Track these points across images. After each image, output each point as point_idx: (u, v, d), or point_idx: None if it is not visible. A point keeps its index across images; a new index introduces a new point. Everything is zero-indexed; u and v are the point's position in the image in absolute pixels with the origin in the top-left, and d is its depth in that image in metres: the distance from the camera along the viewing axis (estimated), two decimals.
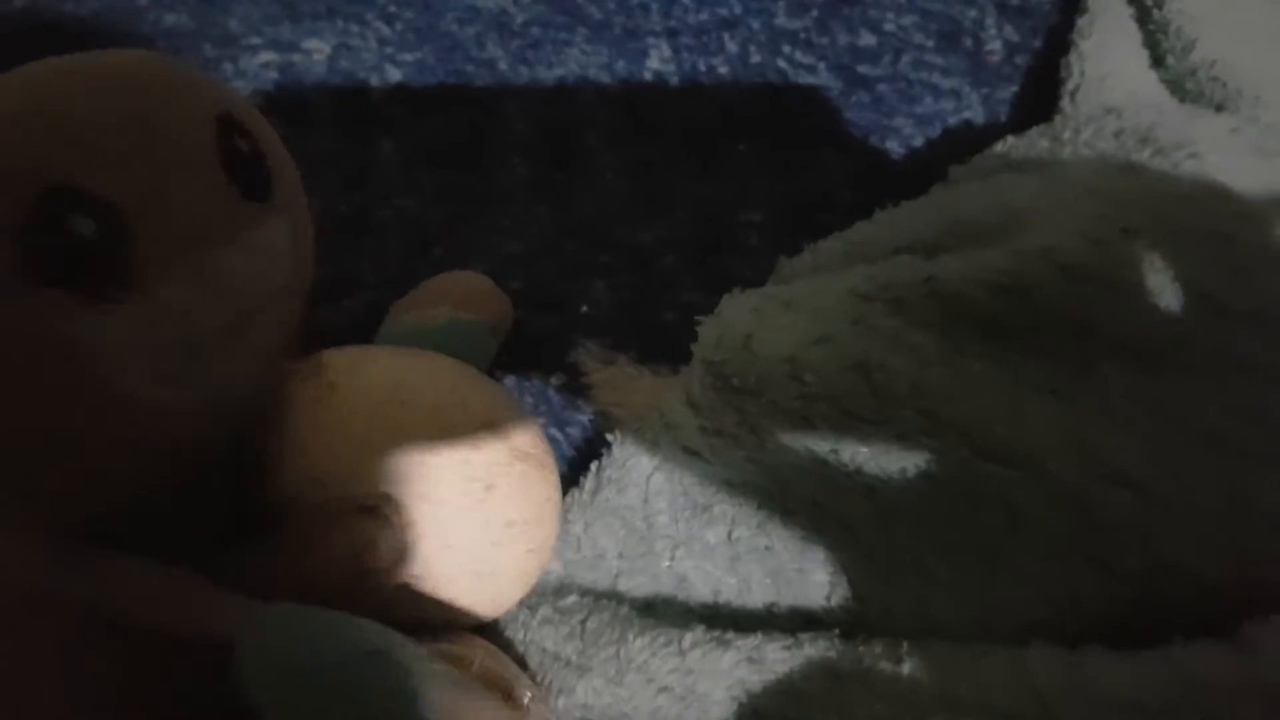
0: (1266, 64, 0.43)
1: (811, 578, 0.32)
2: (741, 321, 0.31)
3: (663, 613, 0.32)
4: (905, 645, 0.28)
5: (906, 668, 0.28)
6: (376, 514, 0.24)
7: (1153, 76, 0.45)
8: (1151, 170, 0.32)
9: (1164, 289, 0.28)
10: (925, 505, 0.30)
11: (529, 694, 0.24)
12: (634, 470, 0.34)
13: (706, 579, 0.33)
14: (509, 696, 0.23)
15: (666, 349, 0.42)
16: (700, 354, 0.31)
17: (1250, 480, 0.26)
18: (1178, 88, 0.44)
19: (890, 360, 0.28)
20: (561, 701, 0.29)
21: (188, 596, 0.22)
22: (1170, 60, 0.44)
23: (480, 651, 0.25)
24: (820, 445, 0.30)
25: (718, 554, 0.33)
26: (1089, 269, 0.28)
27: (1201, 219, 0.29)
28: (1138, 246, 0.28)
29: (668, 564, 0.34)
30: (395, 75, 0.49)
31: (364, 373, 0.26)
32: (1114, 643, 0.26)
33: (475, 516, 0.25)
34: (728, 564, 0.33)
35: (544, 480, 0.28)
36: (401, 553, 0.24)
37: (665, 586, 0.34)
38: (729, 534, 0.33)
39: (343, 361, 0.27)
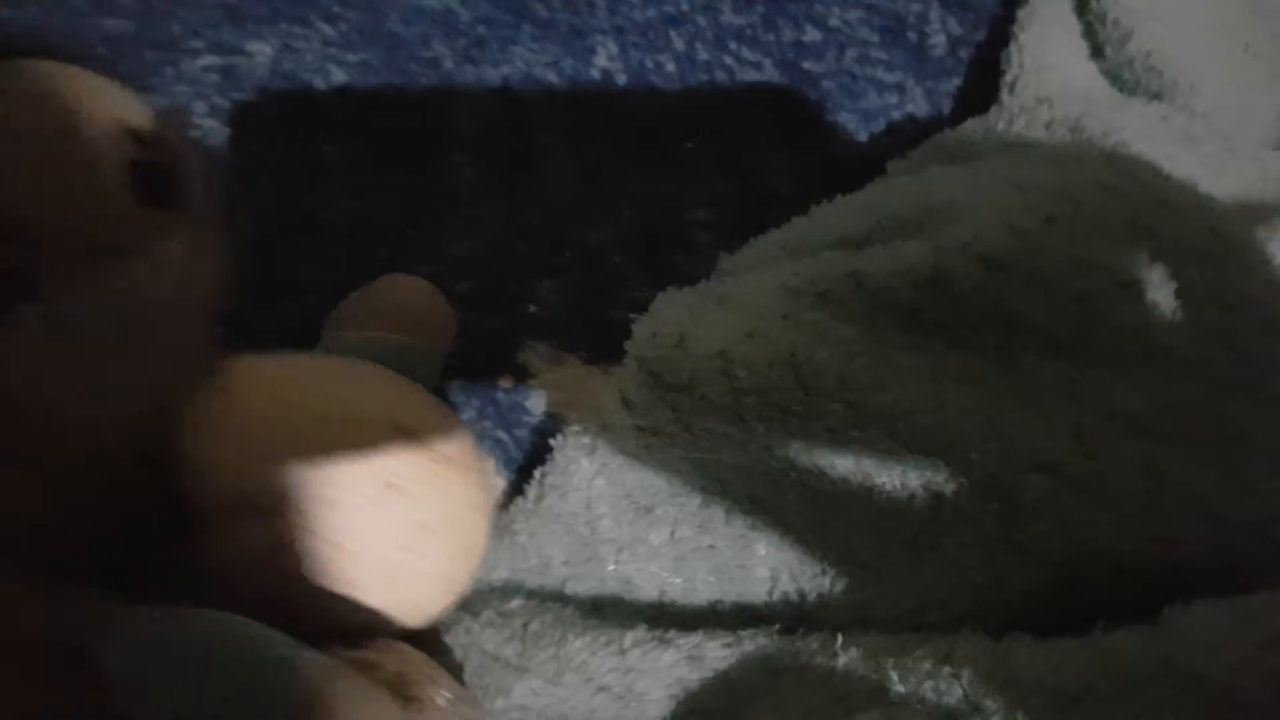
0: (1201, 54, 0.43)
1: (753, 573, 0.32)
2: (675, 319, 0.32)
3: (609, 613, 0.32)
4: (840, 639, 0.29)
5: (841, 661, 0.28)
6: (265, 514, 0.24)
7: (1092, 67, 0.45)
8: (1076, 160, 0.32)
9: (1083, 278, 0.28)
10: (855, 497, 0.30)
11: (444, 695, 0.24)
12: (575, 475, 0.35)
13: (651, 580, 0.33)
14: (409, 698, 0.23)
15: (615, 348, 0.42)
16: (634, 352, 0.31)
17: (1168, 464, 0.27)
18: (1116, 78, 0.45)
19: (817, 353, 0.28)
20: (499, 703, 0.30)
21: (77, 607, 0.22)
22: (1108, 51, 0.45)
23: (395, 657, 0.25)
24: (753, 441, 0.30)
25: (662, 555, 0.33)
26: (1009, 260, 0.28)
27: (1122, 209, 0.29)
28: (1058, 236, 0.29)
29: (612, 568, 0.34)
30: (340, 76, 0.49)
31: (258, 379, 0.26)
32: (1040, 630, 0.27)
33: (377, 518, 0.25)
34: (672, 564, 0.33)
35: (464, 483, 0.27)
36: (295, 553, 0.24)
37: (611, 589, 0.34)
38: (672, 534, 0.33)
39: (240, 368, 0.26)
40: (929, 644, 0.27)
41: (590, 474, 0.35)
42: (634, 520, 0.34)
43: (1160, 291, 0.28)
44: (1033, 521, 0.27)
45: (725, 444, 0.31)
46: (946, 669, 0.26)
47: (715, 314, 0.31)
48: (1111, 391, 0.27)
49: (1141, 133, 0.34)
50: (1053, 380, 0.28)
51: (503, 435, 0.41)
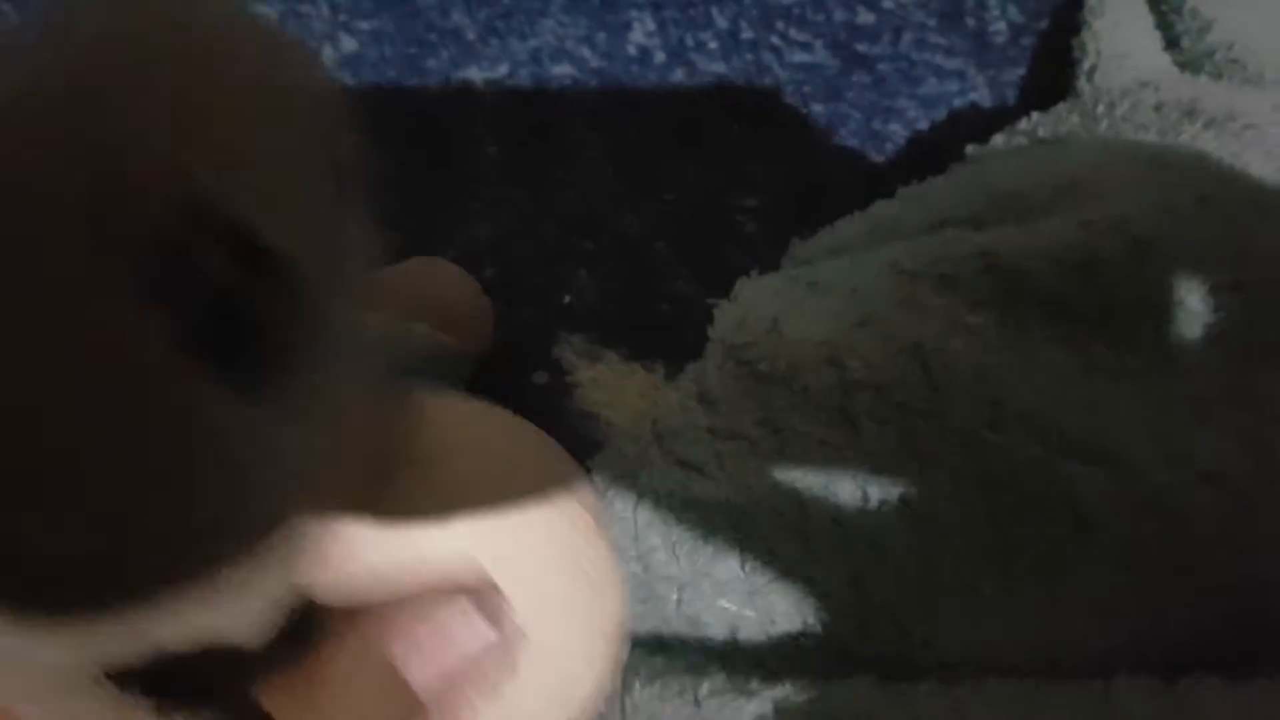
0: None
1: (840, 604, 0.28)
2: (764, 303, 0.27)
3: (676, 652, 0.28)
4: (960, 688, 0.24)
5: (962, 713, 0.24)
6: (474, 604, 0.17)
7: (1167, 59, 0.42)
8: (1212, 142, 0.29)
9: (1243, 265, 0.25)
10: (975, 515, 0.26)
11: None
12: (617, 502, 0.30)
13: (722, 617, 0.29)
14: None
15: (659, 344, 0.38)
16: (718, 337, 0.27)
17: None
18: (1193, 71, 0.42)
19: (949, 344, 0.24)
20: None
21: None
22: (1185, 42, 0.42)
23: None
24: (855, 447, 0.26)
25: (731, 589, 0.29)
26: (1164, 242, 0.25)
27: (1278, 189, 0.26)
28: (1215, 217, 0.25)
29: (674, 607, 0.29)
30: (350, 45, 0.44)
31: (474, 423, 0.20)
32: (1214, 672, 0.23)
33: (582, 622, 0.19)
34: (744, 598, 0.29)
35: (622, 590, 0.22)
36: (502, 662, 0.17)
37: (677, 628, 0.29)
38: (741, 565, 0.29)
39: (443, 406, 0.20)
40: (1077, 688, 0.23)
41: (634, 499, 0.30)
42: (692, 552, 0.29)
43: None
44: (1200, 541, 0.23)
45: (818, 451, 0.27)
46: (1106, 715, 0.22)
47: (812, 300, 0.27)
48: None
49: (1267, 117, 0.31)
50: (1219, 379, 0.24)
51: None
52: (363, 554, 0.18)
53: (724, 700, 0.26)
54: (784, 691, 0.26)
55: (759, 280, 0.29)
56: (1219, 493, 0.23)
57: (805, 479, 0.28)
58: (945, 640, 0.27)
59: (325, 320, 0.14)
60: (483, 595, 0.17)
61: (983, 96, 0.44)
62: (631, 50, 0.44)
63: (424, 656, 0.16)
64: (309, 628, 0.17)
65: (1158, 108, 0.33)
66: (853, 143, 0.42)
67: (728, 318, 0.27)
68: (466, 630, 0.16)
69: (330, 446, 0.16)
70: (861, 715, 0.25)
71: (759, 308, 0.27)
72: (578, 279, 0.39)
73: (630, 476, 0.31)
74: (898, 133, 0.43)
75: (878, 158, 0.42)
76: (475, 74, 0.43)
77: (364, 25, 0.45)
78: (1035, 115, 0.36)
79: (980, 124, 0.42)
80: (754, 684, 0.26)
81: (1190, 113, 0.32)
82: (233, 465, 0.13)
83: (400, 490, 0.18)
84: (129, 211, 0.12)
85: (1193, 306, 0.25)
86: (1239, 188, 0.26)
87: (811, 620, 0.29)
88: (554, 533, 0.19)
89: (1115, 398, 0.24)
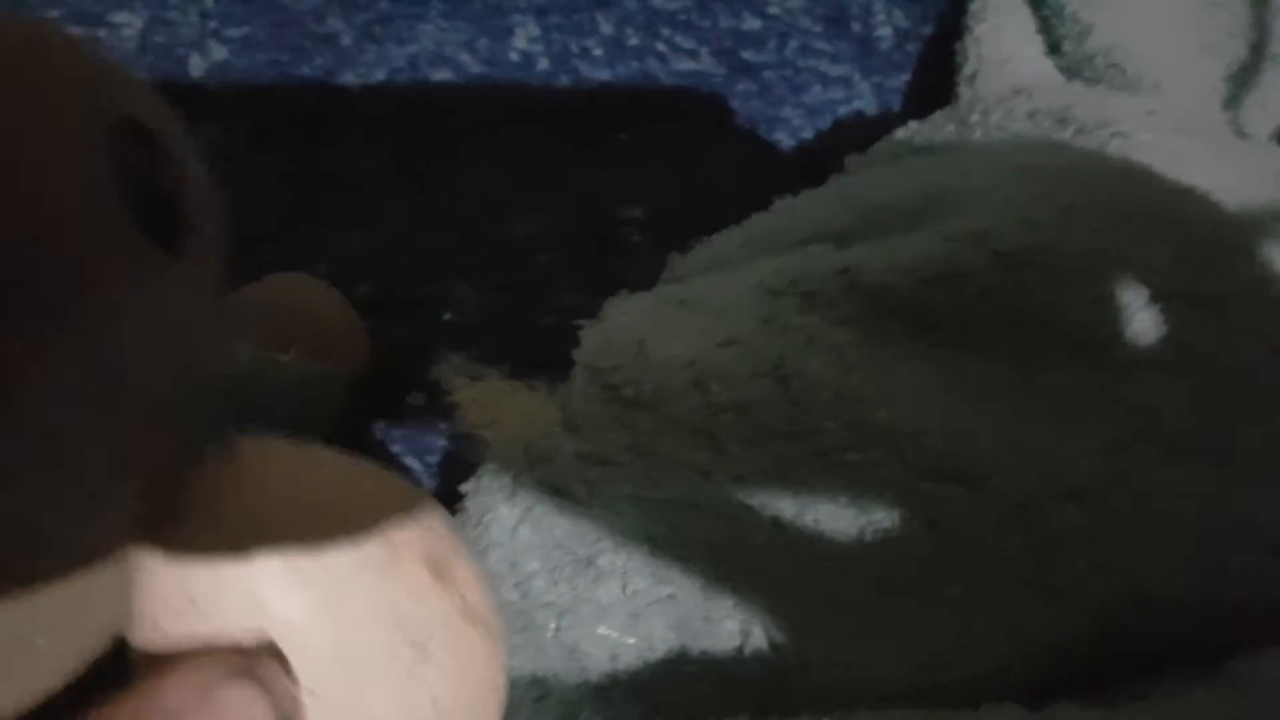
0: (1165, 50, 0.41)
1: (720, 627, 0.27)
2: (632, 324, 0.26)
3: (551, 685, 0.27)
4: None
5: None
6: (245, 675, 0.16)
7: (1049, 64, 0.43)
8: (1080, 149, 0.29)
9: (1110, 275, 0.25)
10: (844, 535, 0.25)
11: None
12: (494, 527, 0.28)
13: (601, 644, 0.28)
14: None
15: (543, 360, 0.36)
16: (584, 362, 0.26)
17: (1218, 487, 0.23)
18: (1074, 75, 0.42)
19: (809, 363, 0.24)
20: None
21: None
22: (1066, 46, 0.42)
23: None
24: (721, 469, 0.25)
25: (613, 614, 0.28)
26: (1026, 254, 0.24)
27: (1147, 199, 0.26)
28: (1079, 228, 0.25)
29: (552, 635, 0.28)
30: (220, 53, 0.42)
31: (278, 467, 0.18)
32: (1074, 689, 0.22)
33: (400, 694, 0.18)
34: (626, 622, 0.28)
35: (492, 655, 0.20)
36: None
37: (553, 660, 0.28)
38: (624, 588, 0.28)
39: (260, 451, 0.18)
40: (942, 718, 0.23)
41: (512, 523, 0.29)
42: (574, 576, 0.28)
43: (1200, 288, 0.24)
44: (1064, 558, 0.23)
45: (685, 475, 0.26)
46: None
47: (680, 319, 0.26)
48: (1152, 404, 0.24)
49: (1137, 124, 0.31)
50: (1081, 391, 0.24)
51: (413, 463, 0.35)
52: (134, 612, 0.16)
53: None
54: None
55: (627, 300, 0.28)
56: (1083, 509, 0.23)
57: (676, 503, 0.28)
58: (821, 663, 0.26)
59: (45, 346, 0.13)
60: (259, 662, 0.16)
61: (868, 104, 0.43)
62: (514, 56, 0.43)
63: None
64: (69, 696, 0.15)
65: (1031, 115, 0.33)
66: (740, 152, 0.42)
67: (593, 339, 0.26)
68: (235, 700, 0.15)
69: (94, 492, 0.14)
70: None
71: (626, 329, 0.26)
72: (458, 293, 0.38)
73: (506, 501, 0.30)
74: (784, 141, 0.42)
75: (764, 167, 0.42)
76: (351, 80, 0.42)
77: (234, 32, 0.43)
78: (913, 124, 0.36)
79: (865, 131, 0.41)
80: None
81: (1062, 120, 0.32)
82: None
83: (187, 545, 0.16)
84: None
85: (1055, 319, 0.24)
86: (1104, 197, 0.25)
87: (691, 645, 0.28)
88: (370, 591, 0.17)
89: (977, 414, 0.24)
